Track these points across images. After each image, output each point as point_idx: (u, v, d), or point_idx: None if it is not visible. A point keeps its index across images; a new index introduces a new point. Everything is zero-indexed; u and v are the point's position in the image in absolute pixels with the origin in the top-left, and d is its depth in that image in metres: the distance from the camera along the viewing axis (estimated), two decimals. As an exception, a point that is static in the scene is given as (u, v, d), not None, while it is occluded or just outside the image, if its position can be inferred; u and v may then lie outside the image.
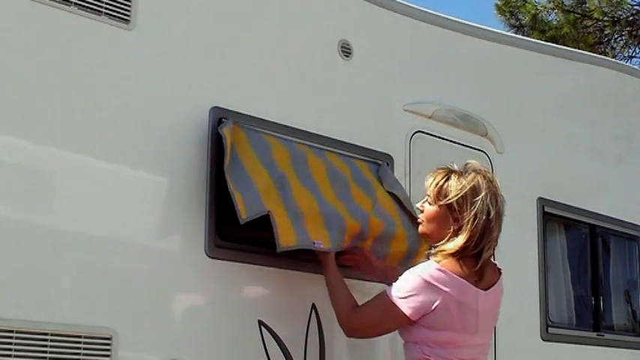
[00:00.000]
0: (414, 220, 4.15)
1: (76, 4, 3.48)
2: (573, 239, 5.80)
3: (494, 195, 3.48)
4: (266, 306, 3.88)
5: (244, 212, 3.60)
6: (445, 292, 3.39)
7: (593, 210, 5.80)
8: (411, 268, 3.52)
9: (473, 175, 3.50)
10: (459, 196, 3.44)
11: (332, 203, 3.95)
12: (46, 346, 3.21)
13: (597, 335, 5.74)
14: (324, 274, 3.82)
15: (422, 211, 3.61)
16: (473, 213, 3.41)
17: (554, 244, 5.63)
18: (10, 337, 3.13)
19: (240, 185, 3.68)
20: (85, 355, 3.31)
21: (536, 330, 5.29)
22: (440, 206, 3.50)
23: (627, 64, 10.96)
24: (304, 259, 4.01)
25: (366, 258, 4.01)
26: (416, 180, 4.60)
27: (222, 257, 3.77)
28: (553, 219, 5.57)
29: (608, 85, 6.24)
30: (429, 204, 3.56)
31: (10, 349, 3.13)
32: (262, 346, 3.78)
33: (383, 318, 3.53)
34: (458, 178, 3.49)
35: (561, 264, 5.69)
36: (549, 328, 5.35)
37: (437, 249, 3.48)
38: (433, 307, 3.39)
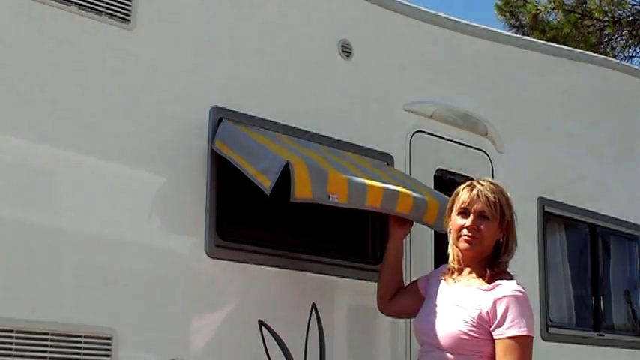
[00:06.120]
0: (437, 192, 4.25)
1: (76, 4, 3.48)
2: (573, 239, 5.79)
3: None
4: (266, 305, 3.88)
5: (267, 181, 3.58)
6: None
7: (593, 210, 5.80)
8: (506, 293, 3.41)
9: (502, 187, 3.57)
10: (512, 209, 3.54)
11: (349, 168, 3.96)
12: (46, 345, 3.22)
13: (597, 335, 5.74)
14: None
15: (476, 229, 3.49)
16: (515, 223, 3.54)
17: (555, 244, 5.63)
18: (11, 337, 3.14)
19: (254, 157, 3.68)
20: (85, 354, 3.31)
21: (536, 330, 5.26)
22: (499, 222, 3.50)
23: (628, 64, 10.95)
24: (305, 259, 4.02)
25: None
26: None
27: (222, 257, 3.77)
28: (553, 219, 5.57)
29: (608, 85, 6.23)
30: (489, 220, 3.49)
31: (10, 349, 3.13)
32: (262, 345, 3.78)
33: (531, 352, 3.42)
34: (502, 192, 3.54)
35: (561, 264, 5.68)
36: (549, 328, 5.35)
37: (498, 263, 3.50)
38: None
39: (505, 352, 3.35)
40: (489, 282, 3.45)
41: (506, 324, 3.36)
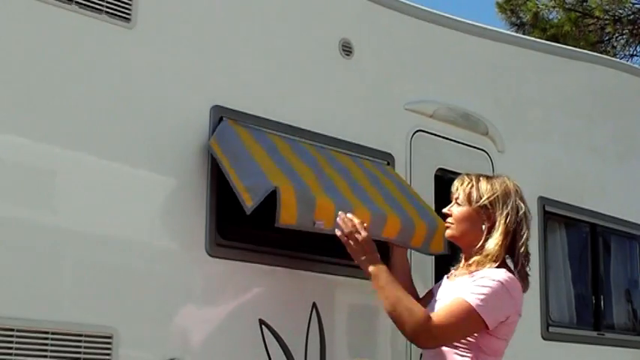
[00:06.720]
0: (428, 210, 4.21)
1: (77, 2, 3.48)
2: (574, 238, 5.79)
3: (522, 197, 3.57)
4: (267, 305, 3.88)
5: (250, 200, 3.59)
6: (518, 302, 3.43)
7: (593, 209, 5.80)
8: (487, 274, 3.40)
9: (502, 179, 3.59)
10: (493, 196, 3.50)
11: (341, 190, 3.94)
12: (46, 344, 3.21)
13: (598, 334, 5.74)
14: (376, 283, 3.50)
15: (449, 215, 3.59)
16: (506, 212, 3.48)
17: (555, 243, 5.63)
18: (11, 336, 3.14)
19: (244, 171, 3.67)
20: (85, 353, 3.31)
21: (536, 329, 5.29)
22: (472, 207, 3.51)
23: (628, 62, 10.95)
24: (305, 258, 4.01)
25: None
26: (416, 179, 4.60)
27: (223, 256, 3.77)
28: (553, 218, 5.57)
29: (608, 84, 6.23)
30: (458, 205, 3.56)
31: (10, 348, 3.13)
32: (263, 345, 3.78)
33: (466, 327, 3.36)
34: (488, 181, 3.56)
35: (562, 263, 5.68)
36: (550, 327, 5.35)
37: (478, 252, 3.47)
38: (507, 318, 3.40)
39: (448, 306, 3.36)
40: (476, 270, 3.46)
41: (470, 289, 3.36)
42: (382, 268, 3.52)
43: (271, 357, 3.78)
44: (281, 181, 3.66)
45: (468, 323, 3.35)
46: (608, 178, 6.09)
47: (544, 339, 5.30)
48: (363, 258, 3.55)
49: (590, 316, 5.78)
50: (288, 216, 3.61)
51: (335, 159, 4.18)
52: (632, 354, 5.99)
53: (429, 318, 3.36)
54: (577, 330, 5.63)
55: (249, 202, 3.59)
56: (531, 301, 5.25)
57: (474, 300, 3.34)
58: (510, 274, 3.42)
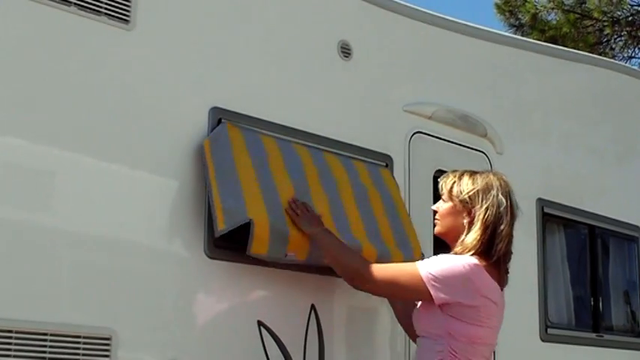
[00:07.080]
0: (409, 237, 4.19)
1: (75, 4, 3.48)
2: (572, 240, 5.80)
3: (507, 192, 3.56)
4: (265, 306, 3.88)
5: (222, 224, 3.61)
6: (482, 288, 3.40)
7: (592, 211, 5.80)
8: (450, 255, 3.48)
9: (485, 174, 3.61)
10: (473, 190, 3.52)
11: (324, 211, 3.93)
12: (45, 346, 3.21)
13: (596, 336, 5.74)
14: (321, 241, 3.72)
15: (436, 212, 3.64)
16: (485, 206, 3.48)
17: (554, 245, 5.63)
18: (10, 337, 3.13)
19: (225, 188, 3.68)
20: (84, 355, 3.31)
21: (535, 331, 5.29)
22: (454, 202, 3.55)
23: (626, 64, 10.95)
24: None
25: None
26: (415, 180, 4.61)
27: (221, 258, 3.76)
28: (552, 220, 5.57)
29: (607, 86, 6.24)
30: (443, 201, 3.61)
31: (9, 349, 3.13)
32: (262, 346, 3.78)
33: (404, 287, 3.46)
34: (471, 176, 3.58)
35: (560, 265, 5.69)
36: (548, 329, 5.35)
37: (459, 245, 3.49)
38: (469, 301, 3.37)
39: (398, 263, 3.62)
40: None
41: (426, 260, 3.49)
42: (327, 230, 3.76)
43: (270, 358, 3.78)
44: (257, 210, 3.67)
45: (410, 286, 3.43)
46: (607, 179, 6.10)
47: (543, 341, 5.30)
48: (309, 226, 3.75)
49: (588, 318, 5.78)
50: (259, 247, 3.66)
51: (327, 168, 4.13)
52: (631, 356, 5.99)
53: (367, 261, 3.56)
54: (576, 332, 5.63)
55: (222, 226, 3.61)
56: (530, 302, 5.27)
57: (423, 268, 3.42)
58: (475, 261, 3.41)
